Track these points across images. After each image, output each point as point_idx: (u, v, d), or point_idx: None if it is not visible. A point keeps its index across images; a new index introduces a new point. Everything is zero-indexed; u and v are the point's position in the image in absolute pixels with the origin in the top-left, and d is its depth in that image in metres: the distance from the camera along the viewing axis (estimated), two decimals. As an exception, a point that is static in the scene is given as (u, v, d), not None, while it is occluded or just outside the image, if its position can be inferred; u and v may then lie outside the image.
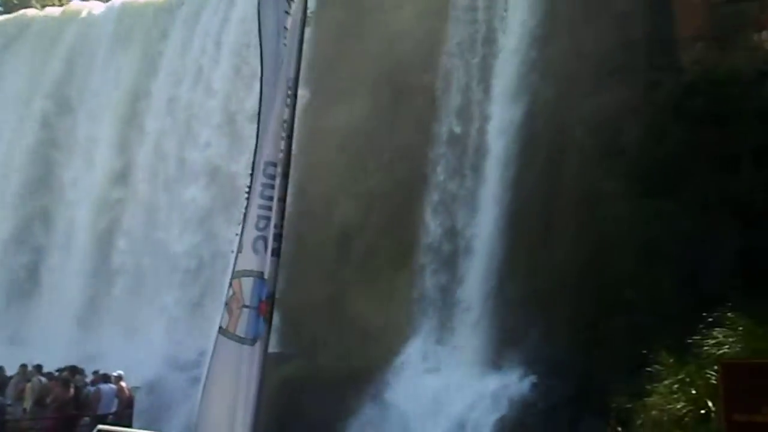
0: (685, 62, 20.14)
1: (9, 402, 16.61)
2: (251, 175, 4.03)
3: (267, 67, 4.09)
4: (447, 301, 21.60)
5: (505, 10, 22.97)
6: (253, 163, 4.12)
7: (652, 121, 19.70)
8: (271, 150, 4.03)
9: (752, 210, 17.28)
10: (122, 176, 29.82)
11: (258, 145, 4.12)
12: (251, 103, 24.80)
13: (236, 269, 3.89)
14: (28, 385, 16.89)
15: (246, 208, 3.95)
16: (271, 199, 3.89)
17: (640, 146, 19.53)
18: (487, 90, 22.48)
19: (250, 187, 3.98)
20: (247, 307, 3.80)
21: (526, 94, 21.56)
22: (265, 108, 4.04)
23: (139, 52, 31.18)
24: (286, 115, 3.95)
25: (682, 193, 18.50)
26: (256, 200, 3.90)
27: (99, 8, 34.53)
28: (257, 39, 4.28)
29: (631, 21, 20.59)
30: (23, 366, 17.93)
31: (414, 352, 21.26)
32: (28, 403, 16.56)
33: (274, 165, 3.99)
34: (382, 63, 23.42)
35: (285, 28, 4.09)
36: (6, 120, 32.50)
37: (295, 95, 4.05)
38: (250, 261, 3.82)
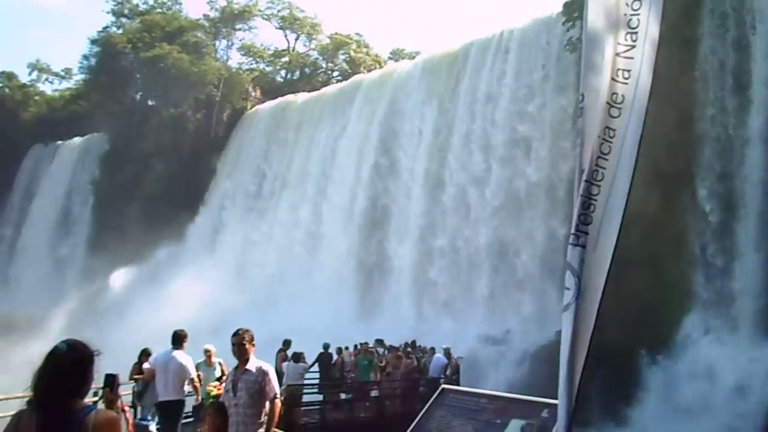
0: None
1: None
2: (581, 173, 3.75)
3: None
4: (722, 274, 20.52)
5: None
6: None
7: None
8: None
9: None
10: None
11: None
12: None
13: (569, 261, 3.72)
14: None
15: (576, 206, 3.70)
16: (590, 196, 3.66)
17: None
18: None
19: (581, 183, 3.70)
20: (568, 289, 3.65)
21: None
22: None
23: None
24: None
25: None
26: (579, 200, 3.70)
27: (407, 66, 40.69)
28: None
29: None
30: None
31: (692, 324, 20.64)
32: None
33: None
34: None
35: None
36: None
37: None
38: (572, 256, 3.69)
